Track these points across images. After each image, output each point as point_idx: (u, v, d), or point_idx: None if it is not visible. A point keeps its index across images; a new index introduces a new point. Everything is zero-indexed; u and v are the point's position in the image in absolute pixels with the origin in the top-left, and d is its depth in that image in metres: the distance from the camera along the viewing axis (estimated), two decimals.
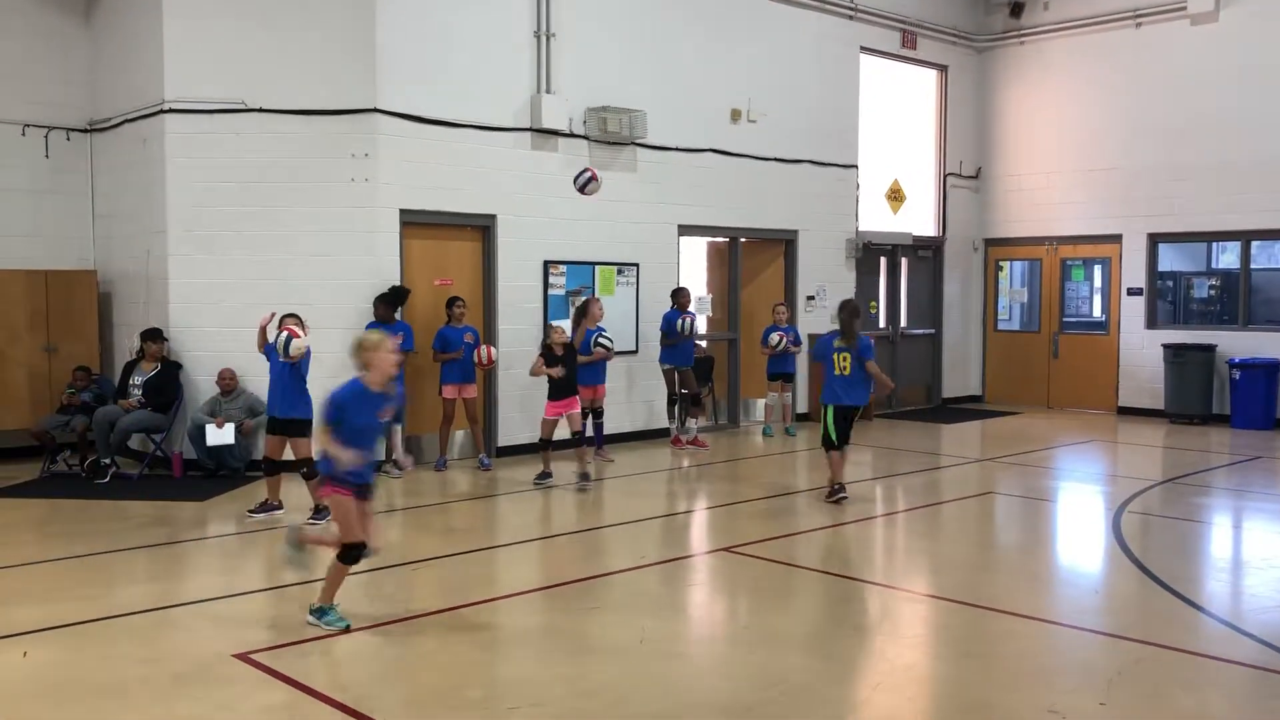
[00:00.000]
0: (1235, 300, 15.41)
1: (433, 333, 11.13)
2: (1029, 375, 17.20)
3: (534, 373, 10.30)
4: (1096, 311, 17.07)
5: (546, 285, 12.06)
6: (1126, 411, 15.90)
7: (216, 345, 10.65)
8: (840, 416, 9.45)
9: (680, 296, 12.73)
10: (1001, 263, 17.74)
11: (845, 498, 9.43)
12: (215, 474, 10.43)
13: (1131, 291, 15.95)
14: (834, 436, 9.41)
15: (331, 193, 10.68)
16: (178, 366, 10.74)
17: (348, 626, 5.91)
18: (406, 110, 10.86)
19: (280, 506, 8.80)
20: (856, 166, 15.42)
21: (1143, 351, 15.72)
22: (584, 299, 11.69)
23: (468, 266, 11.67)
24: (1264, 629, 6.04)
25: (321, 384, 10.10)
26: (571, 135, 12.12)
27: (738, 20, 13.80)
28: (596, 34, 12.33)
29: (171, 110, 10.69)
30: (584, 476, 10.11)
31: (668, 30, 13.07)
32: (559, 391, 10.20)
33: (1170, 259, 16.22)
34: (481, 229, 11.64)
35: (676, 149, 13.16)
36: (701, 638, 6.20)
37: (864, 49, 15.53)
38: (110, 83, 11.82)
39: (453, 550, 7.90)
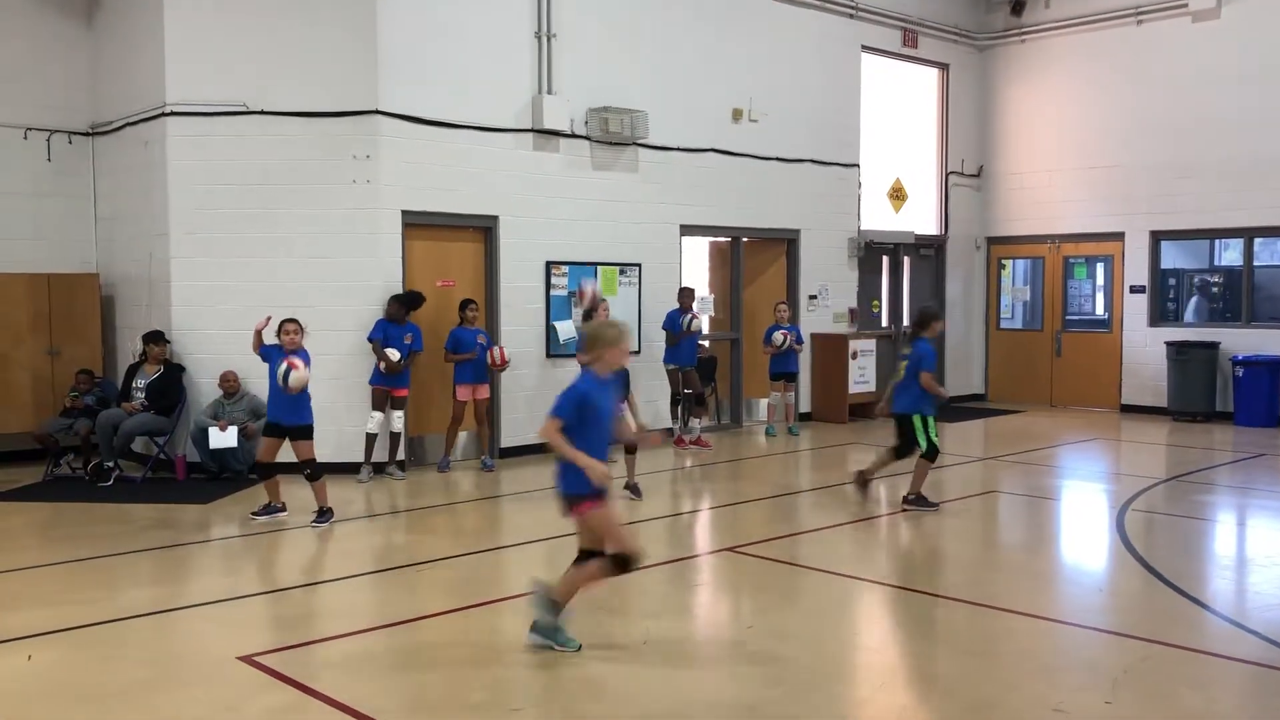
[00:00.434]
0: (1238, 297, 15.39)
1: (435, 334, 11.15)
2: (1032, 373, 17.19)
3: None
4: (1099, 309, 17.05)
5: (549, 286, 12.05)
6: (1130, 409, 15.88)
7: (219, 347, 10.66)
8: (918, 425, 9.09)
9: (685, 297, 12.73)
10: (1004, 261, 17.72)
11: (928, 508, 9.12)
12: (218, 476, 10.43)
13: (1134, 289, 15.93)
14: (933, 443, 9.06)
15: (333, 194, 10.68)
16: (180, 369, 10.74)
17: (579, 647, 5.54)
18: (408, 112, 10.86)
19: (283, 508, 8.79)
20: (858, 165, 15.42)
21: (1146, 349, 15.71)
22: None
23: (470, 267, 11.67)
24: (1268, 626, 6.03)
25: (324, 386, 10.20)
26: (573, 136, 12.12)
27: (739, 20, 13.80)
28: (597, 34, 12.32)
29: (173, 113, 10.70)
30: (635, 489, 9.66)
31: (669, 30, 13.07)
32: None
33: (1173, 256, 16.20)
34: (483, 230, 11.64)
35: (678, 149, 13.15)
36: (705, 638, 6.19)
37: (865, 48, 15.52)
38: (112, 86, 11.82)
39: (456, 552, 7.90)
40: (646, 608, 6.59)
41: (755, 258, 14.69)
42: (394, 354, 10.33)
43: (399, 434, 10.64)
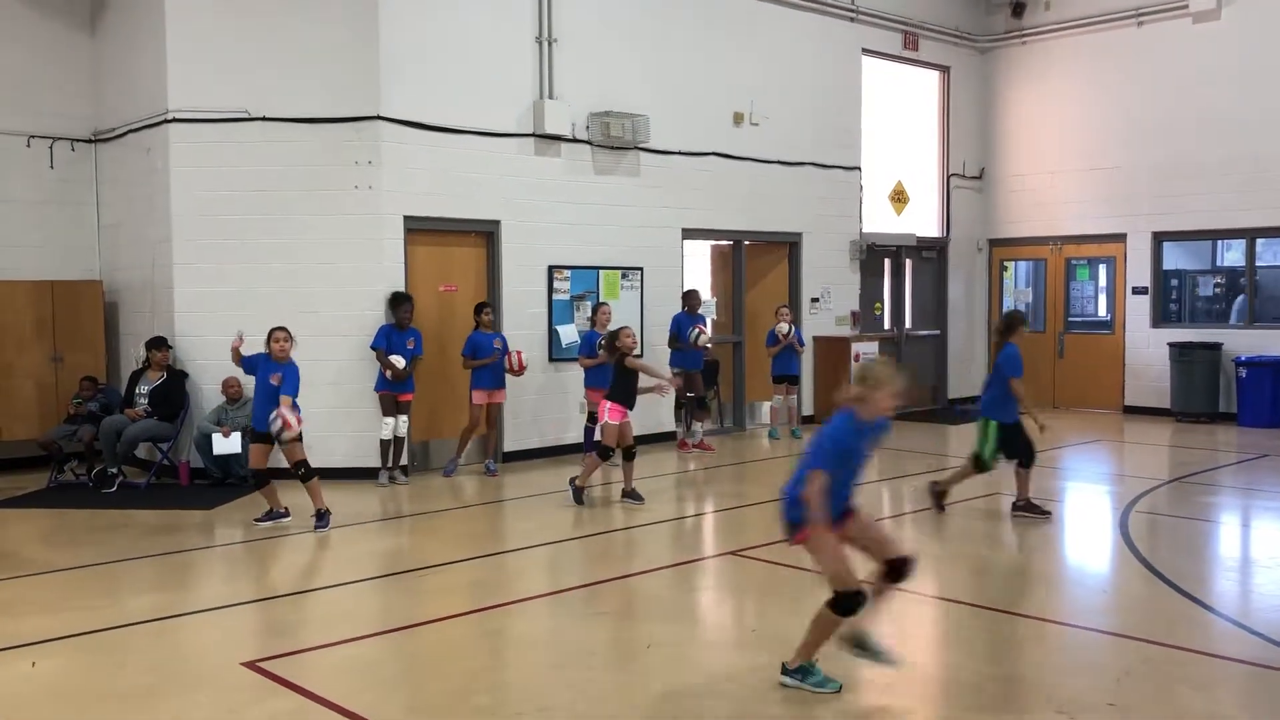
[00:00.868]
0: (1241, 298, 15.38)
1: (439, 340, 11.16)
2: (1034, 375, 17.05)
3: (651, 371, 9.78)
4: (1101, 311, 17.05)
5: (551, 290, 12.07)
6: (1132, 411, 15.87)
7: (222, 354, 10.58)
8: (999, 432, 8.88)
9: (691, 299, 12.75)
10: (1006, 263, 17.72)
11: (1038, 515, 8.87)
12: (222, 482, 10.45)
13: (1137, 290, 15.92)
14: (987, 454, 8.89)
15: (335, 200, 10.70)
16: (183, 375, 10.76)
17: (839, 688, 5.06)
18: (410, 117, 10.88)
19: (286, 513, 8.80)
20: (860, 168, 15.42)
21: (1148, 350, 15.70)
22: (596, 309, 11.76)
23: (472, 272, 11.68)
24: (1272, 627, 6.02)
25: (326, 392, 10.23)
26: (575, 140, 12.13)
27: (739, 23, 13.81)
28: (599, 39, 12.34)
29: (175, 120, 10.72)
30: (634, 495, 9.63)
31: (669, 34, 13.08)
32: (627, 395, 9.59)
33: (1175, 257, 16.20)
34: (486, 234, 11.66)
35: (679, 153, 13.17)
36: (708, 642, 6.19)
37: (866, 51, 15.53)
38: (114, 93, 11.85)
39: (460, 556, 7.91)
40: (649, 612, 6.60)
41: (757, 261, 14.70)
42: (399, 361, 10.33)
43: (403, 439, 10.64)
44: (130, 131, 11.46)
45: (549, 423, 12.11)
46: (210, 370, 10.72)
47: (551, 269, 12.06)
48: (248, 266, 10.67)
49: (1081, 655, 5.73)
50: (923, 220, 16.78)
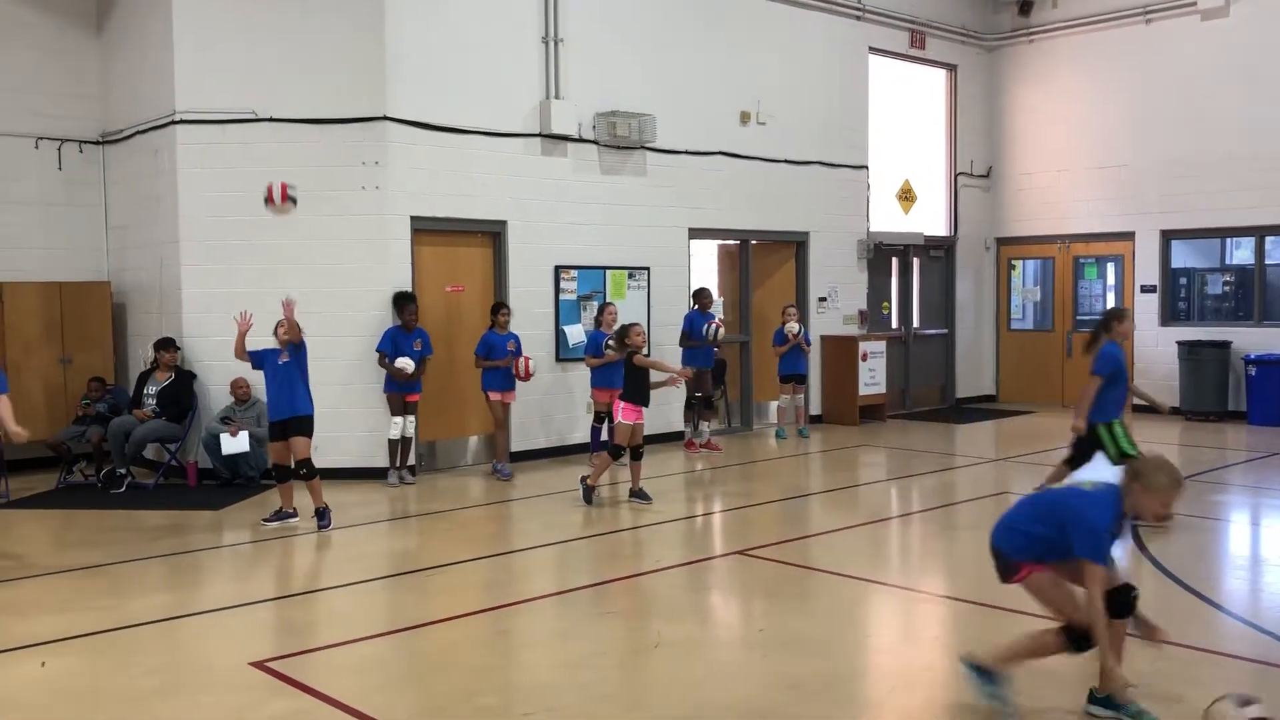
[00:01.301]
0: (1250, 296, 15.33)
1: (444, 339, 11.16)
2: (1043, 374, 17.14)
3: (661, 368, 9.77)
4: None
5: (558, 290, 12.06)
6: (1142, 409, 15.76)
7: (229, 354, 10.61)
8: (1115, 430, 8.39)
9: (702, 297, 12.75)
10: (1014, 261, 17.68)
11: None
12: (230, 483, 10.46)
13: (1145, 289, 15.88)
14: (1129, 451, 8.25)
15: (343, 201, 10.71)
16: (191, 376, 10.78)
17: (1006, 702, 4.76)
18: (416, 118, 10.89)
19: (294, 514, 8.81)
20: (867, 167, 15.40)
21: (1157, 349, 15.65)
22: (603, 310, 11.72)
23: (479, 272, 11.69)
24: None
25: (333, 391, 10.24)
26: (581, 140, 12.13)
27: (745, 23, 13.80)
28: (605, 39, 12.34)
29: (183, 121, 10.74)
30: (641, 494, 9.61)
31: (676, 34, 13.08)
32: (640, 394, 9.55)
33: (1184, 255, 16.15)
34: (492, 235, 11.66)
35: (686, 152, 13.16)
36: (717, 641, 6.18)
37: (872, 49, 15.51)
38: (122, 95, 11.88)
39: (467, 556, 7.91)
40: (658, 611, 6.59)
41: (764, 260, 14.69)
42: (408, 366, 10.30)
43: (410, 439, 10.65)
44: (138, 133, 11.49)
45: (556, 423, 12.11)
46: (218, 371, 10.74)
47: (558, 269, 12.06)
48: (255, 267, 10.68)
49: (1091, 656, 5.70)
50: (930, 219, 16.75)
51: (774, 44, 14.11)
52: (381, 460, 10.63)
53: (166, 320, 11.10)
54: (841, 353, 14.83)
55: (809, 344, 13.77)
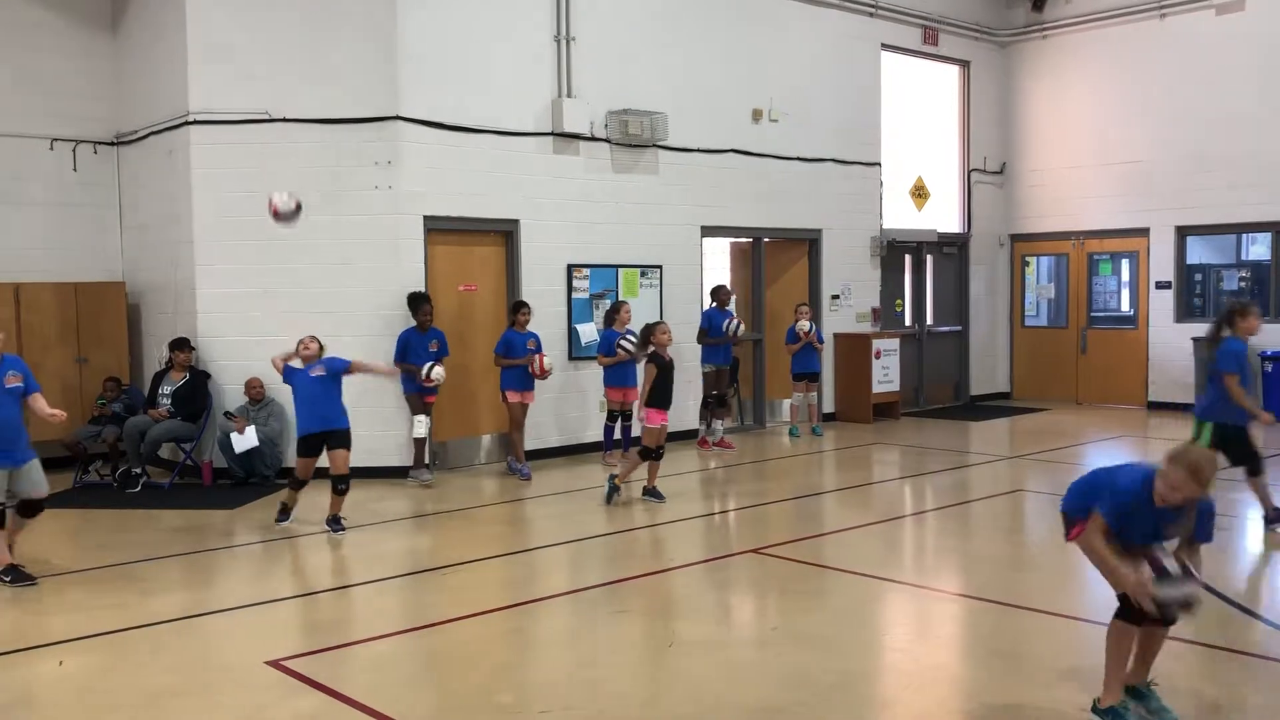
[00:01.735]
0: (1266, 292, 15.24)
1: (458, 339, 11.17)
2: (1057, 371, 17.08)
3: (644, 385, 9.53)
4: (1125, 306, 16.93)
5: (570, 289, 12.07)
6: (1157, 406, 15.75)
7: (244, 354, 10.73)
8: (1216, 435, 7.89)
9: (720, 294, 12.75)
10: (1028, 258, 17.62)
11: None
12: (245, 482, 10.50)
13: (1160, 285, 15.81)
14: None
15: (356, 200, 10.73)
16: (206, 375, 10.83)
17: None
18: (429, 117, 10.90)
19: (288, 516, 8.77)
20: (879, 164, 15.36)
21: (1172, 345, 15.57)
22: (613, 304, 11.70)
23: (491, 271, 11.70)
24: None
25: (349, 388, 10.22)
26: (593, 139, 12.13)
27: (758, 20, 13.78)
28: (616, 37, 12.33)
29: (196, 122, 10.78)
30: (655, 493, 9.59)
31: (687, 31, 13.06)
32: (664, 396, 9.46)
33: (1199, 252, 16.07)
34: (504, 234, 11.67)
35: (698, 150, 13.15)
36: (731, 640, 6.18)
37: (885, 46, 15.47)
38: (136, 96, 11.93)
39: (481, 555, 7.92)
40: (672, 609, 6.59)
41: (777, 258, 14.67)
42: (439, 372, 10.24)
43: (423, 439, 10.62)
44: (152, 134, 11.53)
45: (568, 421, 12.12)
46: (233, 370, 10.78)
47: (570, 267, 12.07)
48: (269, 267, 10.72)
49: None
50: (944, 216, 16.69)
51: (786, 41, 14.08)
52: (393, 459, 10.65)
53: (181, 320, 11.14)
54: (855, 350, 14.80)
55: (821, 342, 13.75)
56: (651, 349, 9.48)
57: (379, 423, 10.71)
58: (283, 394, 10.27)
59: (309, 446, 8.56)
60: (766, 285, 14.42)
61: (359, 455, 10.45)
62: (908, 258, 16.34)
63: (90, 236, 12.17)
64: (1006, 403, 17.12)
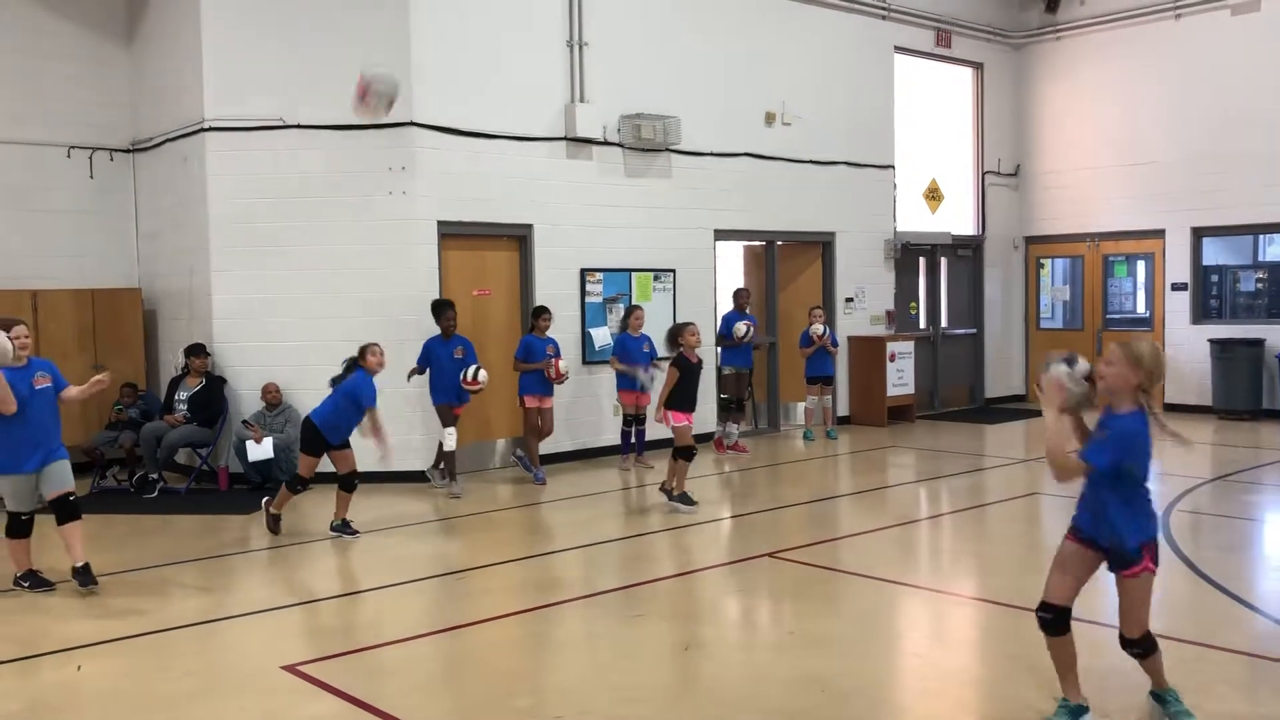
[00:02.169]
0: None
1: (474, 343, 11.18)
2: None
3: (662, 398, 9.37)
4: (1140, 308, 16.85)
5: (584, 293, 12.09)
6: (1173, 408, 15.66)
7: (259, 359, 10.78)
8: None
9: (739, 298, 12.77)
10: (1042, 260, 17.56)
11: None
12: (261, 487, 10.52)
13: (1176, 287, 15.73)
14: None
15: (370, 206, 10.77)
16: (222, 381, 10.87)
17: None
18: (443, 123, 10.93)
19: (277, 520, 8.76)
20: (893, 166, 15.34)
21: (1189, 347, 15.50)
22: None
23: (505, 276, 11.72)
24: None
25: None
26: (606, 143, 12.15)
27: (770, 23, 13.77)
28: (629, 42, 12.35)
29: (211, 128, 10.84)
30: (670, 494, 9.45)
31: (700, 35, 13.07)
32: (687, 400, 9.40)
33: (1215, 253, 15.99)
34: (518, 238, 11.69)
35: (711, 154, 13.15)
36: (746, 643, 6.18)
37: (898, 48, 15.44)
38: (151, 103, 12.00)
39: (498, 559, 7.93)
40: (688, 613, 6.59)
41: (790, 261, 14.65)
42: (485, 375, 10.11)
43: (452, 452, 10.41)
44: (167, 141, 11.60)
45: (581, 425, 12.12)
46: (249, 376, 10.82)
47: (584, 272, 12.08)
48: (284, 273, 10.76)
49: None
50: (958, 218, 16.66)
51: (799, 44, 14.07)
52: (409, 464, 10.68)
53: (197, 326, 11.20)
54: (869, 353, 14.78)
55: (835, 345, 13.73)
56: (679, 350, 9.42)
57: (393, 429, 10.70)
58: (298, 399, 10.33)
59: (319, 447, 8.62)
60: (780, 288, 14.41)
61: (372, 460, 10.50)
62: (922, 260, 16.30)
63: (107, 243, 12.25)
64: (1022, 405, 17.05)
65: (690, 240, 13.03)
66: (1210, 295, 15.91)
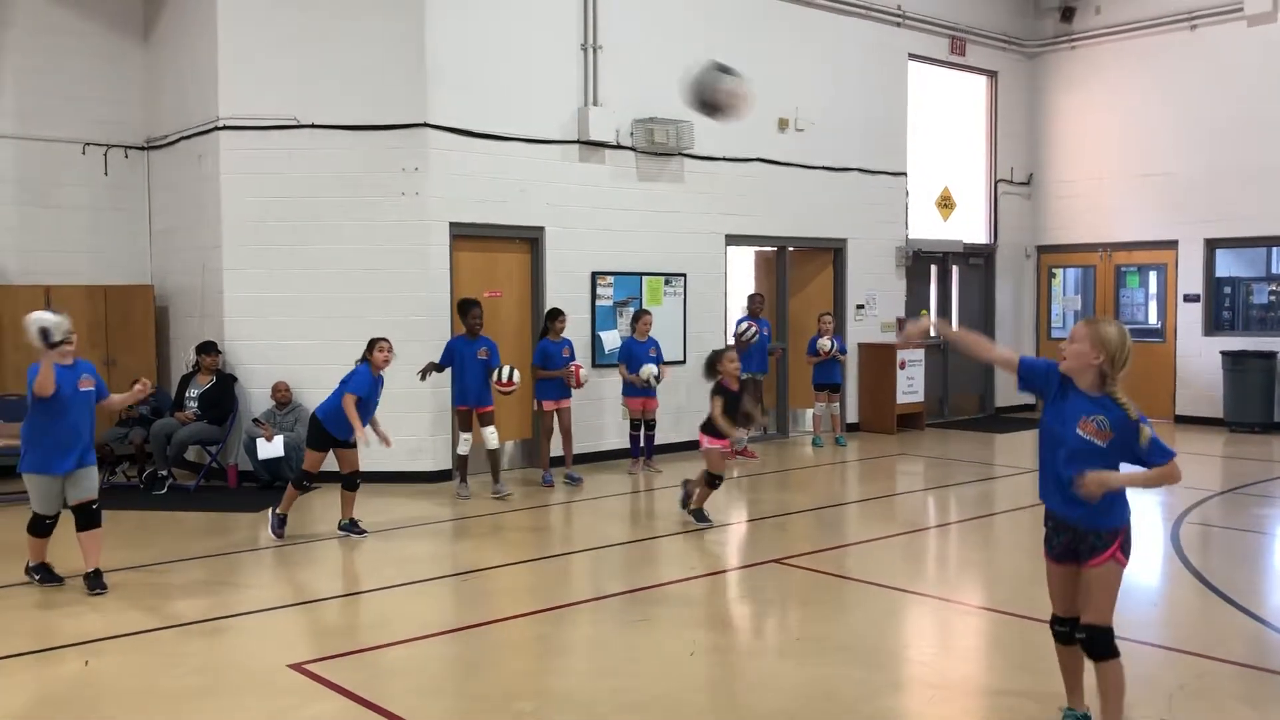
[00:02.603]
0: None
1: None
2: None
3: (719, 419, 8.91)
4: (1152, 319, 16.80)
5: (594, 296, 12.09)
6: (1184, 420, 15.61)
7: (270, 358, 10.81)
8: None
9: (754, 302, 12.80)
10: (1054, 270, 17.52)
11: None
12: (270, 485, 10.55)
13: (1188, 298, 15.68)
14: None
15: (382, 207, 10.79)
16: (232, 379, 10.90)
17: None
18: (456, 124, 10.96)
19: (283, 521, 8.77)
20: (905, 174, 15.31)
21: (1200, 359, 15.44)
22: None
23: (516, 278, 11.74)
24: None
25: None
26: (618, 147, 12.16)
27: (784, 29, 13.77)
28: (643, 46, 12.35)
29: (226, 127, 10.88)
30: (701, 515, 9.09)
31: (714, 40, 13.02)
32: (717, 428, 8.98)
33: (1228, 264, 15.93)
34: (530, 240, 11.71)
35: (723, 159, 13.15)
36: (751, 650, 6.17)
37: (912, 56, 15.43)
38: (167, 101, 12.05)
39: (504, 561, 7.94)
40: (693, 619, 6.58)
41: (801, 267, 14.64)
42: (519, 377, 10.07)
43: (496, 450, 10.31)
44: (182, 139, 11.65)
45: (589, 429, 12.11)
46: (259, 374, 10.85)
47: (595, 275, 12.09)
48: (296, 272, 10.79)
49: (1133, 670, 5.61)
50: (970, 226, 16.62)
51: (813, 50, 14.07)
52: (419, 464, 10.71)
53: (208, 324, 11.23)
54: (879, 361, 14.76)
55: (844, 353, 13.71)
56: (719, 378, 9.02)
57: (405, 428, 10.72)
58: (309, 397, 10.34)
59: (326, 443, 8.66)
60: (791, 294, 14.40)
61: (387, 460, 10.52)
62: (933, 268, 16.28)
63: (120, 240, 12.30)
64: (1032, 414, 16.99)
65: (701, 245, 13.03)
66: (1223, 307, 15.85)
